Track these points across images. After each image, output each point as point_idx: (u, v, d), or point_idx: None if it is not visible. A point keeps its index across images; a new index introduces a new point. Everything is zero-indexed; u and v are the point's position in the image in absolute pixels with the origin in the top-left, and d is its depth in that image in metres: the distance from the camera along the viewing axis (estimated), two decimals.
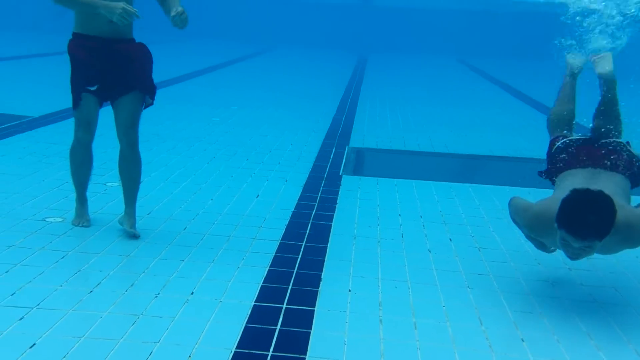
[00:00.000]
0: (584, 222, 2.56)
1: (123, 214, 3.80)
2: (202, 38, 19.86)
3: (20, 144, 5.85)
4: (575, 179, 3.02)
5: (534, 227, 2.93)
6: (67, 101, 8.84)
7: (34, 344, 2.45)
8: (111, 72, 3.58)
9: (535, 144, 7.16)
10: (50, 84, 9.99)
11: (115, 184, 4.63)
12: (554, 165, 3.32)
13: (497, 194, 4.92)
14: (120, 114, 3.70)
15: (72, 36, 3.60)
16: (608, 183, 2.95)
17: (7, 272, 3.08)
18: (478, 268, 3.46)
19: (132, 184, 3.80)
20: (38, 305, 2.76)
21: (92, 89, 3.58)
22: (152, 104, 3.76)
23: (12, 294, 2.85)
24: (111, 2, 3.35)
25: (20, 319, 2.63)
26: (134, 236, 3.68)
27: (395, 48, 21.48)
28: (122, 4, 3.33)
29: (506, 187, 5.10)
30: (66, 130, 6.51)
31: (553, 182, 3.29)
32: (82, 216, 3.86)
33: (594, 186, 2.75)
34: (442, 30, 21.61)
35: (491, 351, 2.60)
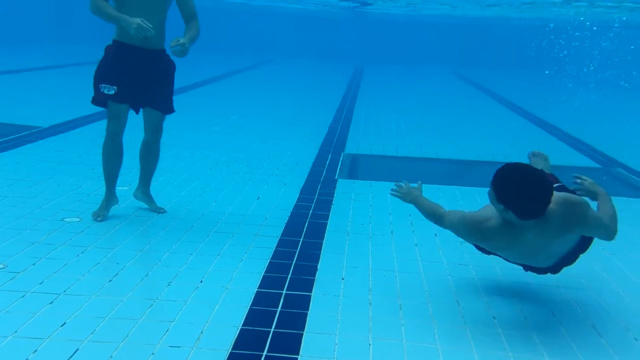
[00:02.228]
0: (528, 189, 2.56)
1: (137, 190, 4.52)
2: (203, 50, 20.24)
3: (32, 152, 6.18)
4: None
5: (474, 230, 2.83)
6: (74, 112, 9.18)
7: (65, 323, 2.78)
8: (140, 78, 4.12)
9: (517, 149, 7.56)
10: (57, 96, 10.38)
11: (125, 188, 4.97)
12: None
13: (482, 195, 5.25)
14: (147, 118, 4.35)
15: (112, 42, 4.15)
16: None
17: (34, 264, 3.42)
18: (459, 259, 3.81)
19: (151, 168, 4.50)
20: (65, 291, 3.10)
21: (110, 92, 4.06)
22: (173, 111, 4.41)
23: (41, 283, 3.19)
24: (130, 17, 3.87)
25: (50, 302, 2.97)
26: (162, 211, 4.47)
27: (391, 59, 21.93)
28: (138, 20, 3.85)
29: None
30: (75, 139, 6.91)
31: None
32: (105, 209, 4.28)
33: None
34: (436, 42, 22.08)
35: (465, 327, 2.94)
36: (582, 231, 2.82)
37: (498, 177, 2.70)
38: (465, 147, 7.68)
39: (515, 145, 7.79)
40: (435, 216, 3.07)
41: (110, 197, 4.33)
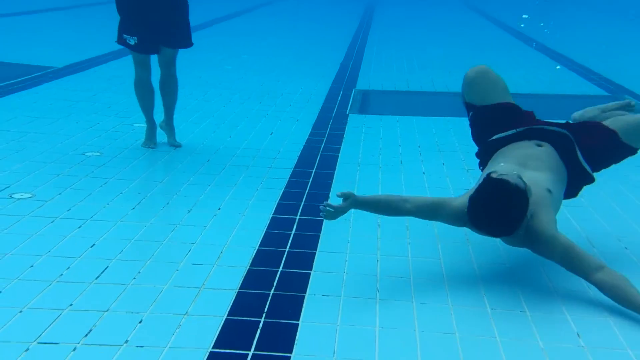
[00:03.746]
0: (487, 219, 2.40)
1: (162, 121, 4.74)
2: None
3: (49, 92, 6.33)
4: (505, 159, 2.72)
5: (457, 221, 2.67)
6: (88, 52, 9.31)
7: (94, 244, 2.99)
8: (153, 21, 4.30)
9: (528, 80, 7.57)
10: (70, 37, 10.42)
11: (141, 125, 5.12)
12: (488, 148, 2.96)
13: None
14: (162, 56, 4.53)
15: None
16: (542, 171, 2.67)
17: (60, 194, 3.61)
18: (465, 184, 3.92)
19: (171, 100, 4.69)
20: (91, 217, 3.30)
21: (132, 42, 4.35)
22: (192, 44, 4.58)
23: (68, 210, 3.38)
24: None
25: (79, 227, 3.17)
26: (178, 145, 4.68)
27: None
28: None
29: None
30: (91, 78, 7.04)
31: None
32: (150, 139, 4.66)
33: (524, 172, 2.57)
34: None
35: (468, 244, 3.09)
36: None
37: (476, 189, 2.49)
38: None
39: (526, 77, 7.79)
40: (395, 202, 2.73)
41: (152, 126, 4.70)
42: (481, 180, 2.53)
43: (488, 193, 2.39)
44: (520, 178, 2.43)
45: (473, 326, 2.40)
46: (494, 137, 2.93)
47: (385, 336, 2.32)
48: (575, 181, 2.85)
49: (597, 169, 2.90)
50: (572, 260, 2.51)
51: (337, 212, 2.76)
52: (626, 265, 2.86)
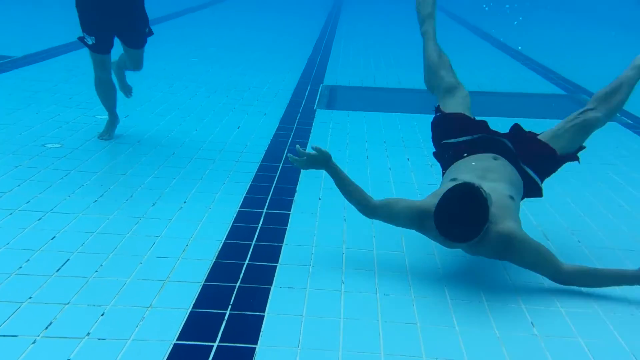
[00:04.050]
0: (452, 221, 2.44)
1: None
2: None
3: (7, 82, 6.15)
4: (464, 171, 2.79)
5: (417, 220, 2.68)
6: (48, 41, 9.07)
7: (54, 237, 2.92)
8: (110, 15, 4.17)
9: (493, 80, 7.70)
10: (30, 25, 10.14)
11: (103, 117, 5.03)
12: (445, 152, 3.06)
13: None
14: (127, 53, 4.51)
15: None
16: (500, 182, 2.74)
17: (18, 185, 3.52)
18: (429, 180, 3.99)
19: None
20: (52, 210, 3.22)
21: (90, 42, 4.23)
22: (152, 34, 4.51)
23: (28, 202, 3.30)
24: None
25: (39, 219, 3.10)
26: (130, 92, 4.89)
27: None
28: None
29: None
30: (51, 68, 6.86)
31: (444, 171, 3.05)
32: (108, 132, 4.59)
33: (483, 183, 2.62)
34: None
35: None
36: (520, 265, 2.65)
37: (443, 195, 2.51)
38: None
39: (489, 76, 7.93)
40: (364, 202, 2.82)
41: (114, 119, 4.64)
42: (445, 188, 2.59)
43: (453, 198, 2.46)
44: (481, 187, 2.50)
45: (434, 316, 2.44)
46: (451, 140, 3.04)
47: (350, 327, 2.34)
48: (527, 192, 2.93)
49: (542, 178, 2.98)
50: (543, 260, 2.58)
51: (308, 161, 2.86)
52: (579, 258, 2.95)
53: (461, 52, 9.94)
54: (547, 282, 2.68)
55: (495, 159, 2.90)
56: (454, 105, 3.21)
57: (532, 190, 2.94)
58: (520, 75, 8.20)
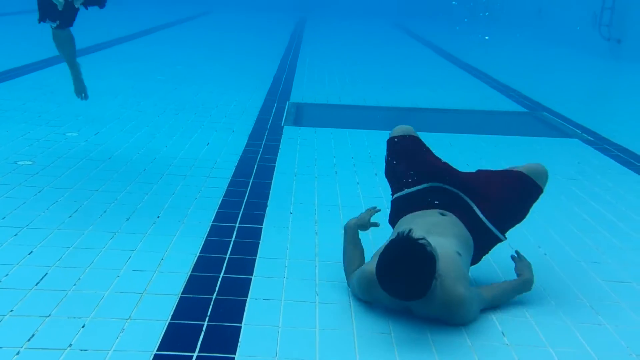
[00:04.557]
0: (396, 277, 2.34)
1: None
2: (138, 1, 19.70)
3: None
4: (410, 227, 2.52)
5: (367, 287, 2.60)
6: (18, 60, 8.98)
7: (31, 252, 2.96)
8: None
9: (454, 97, 7.98)
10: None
11: (74, 134, 5.06)
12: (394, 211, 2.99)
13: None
14: None
15: None
16: (447, 237, 2.65)
17: None
18: None
19: None
20: (27, 225, 3.26)
21: (54, 25, 4.23)
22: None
23: (3, 218, 3.33)
24: None
25: (15, 235, 3.13)
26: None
27: (332, 11, 21.95)
28: None
29: (427, 132, 5.82)
30: (19, 87, 6.84)
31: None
32: (79, 86, 4.60)
33: (429, 237, 2.49)
34: None
35: None
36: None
37: (385, 249, 2.43)
38: (404, 95, 8.01)
39: (450, 92, 8.25)
40: (347, 272, 2.81)
41: (77, 75, 4.62)
42: (388, 242, 2.51)
43: (395, 251, 2.37)
44: (425, 239, 2.40)
45: (407, 327, 2.55)
46: (400, 193, 2.96)
47: (325, 337, 2.45)
48: (483, 243, 2.84)
49: (505, 227, 2.89)
50: (478, 306, 2.61)
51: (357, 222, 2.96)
52: (546, 271, 3.12)
53: (423, 69, 10.28)
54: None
55: (442, 214, 2.80)
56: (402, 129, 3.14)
57: (489, 239, 2.84)
58: (483, 93, 8.51)
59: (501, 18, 18.90)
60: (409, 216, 2.85)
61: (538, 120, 7.01)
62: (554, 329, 2.62)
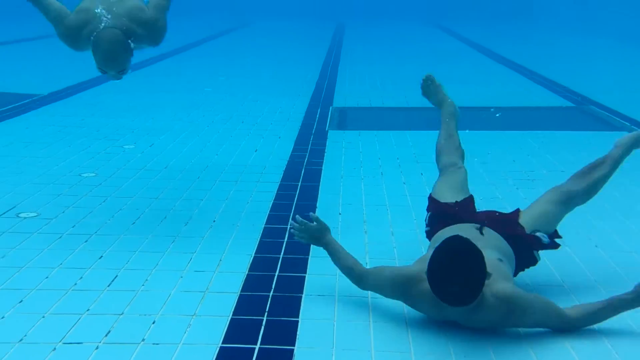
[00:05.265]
0: (449, 277, 2.31)
1: None
2: (180, 15, 20.24)
3: (38, 118, 6.51)
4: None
5: (401, 287, 2.58)
6: (71, 79, 9.46)
7: (101, 256, 3.20)
8: None
9: (497, 95, 7.98)
10: (51, 64, 10.54)
11: (131, 146, 5.35)
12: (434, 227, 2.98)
13: (463, 137, 5.68)
14: None
15: None
16: (486, 248, 2.54)
17: (63, 212, 3.81)
18: None
19: None
20: (96, 232, 3.51)
21: None
22: None
23: (73, 226, 3.59)
24: None
25: (85, 241, 3.38)
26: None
27: (372, 14, 22.06)
28: None
29: (469, 130, 5.86)
30: (76, 104, 7.22)
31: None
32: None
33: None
34: None
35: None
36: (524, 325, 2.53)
37: (437, 249, 2.41)
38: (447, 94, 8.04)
39: (494, 90, 8.24)
40: (355, 273, 2.75)
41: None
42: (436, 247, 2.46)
43: (450, 250, 2.36)
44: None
45: (464, 332, 2.52)
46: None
47: (378, 329, 2.56)
48: (522, 254, 2.82)
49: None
50: (550, 313, 2.50)
51: (308, 233, 2.85)
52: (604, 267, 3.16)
53: (464, 68, 10.27)
54: None
55: (477, 228, 2.79)
56: (442, 189, 3.18)
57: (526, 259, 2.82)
58: (528, 89, 8.47)
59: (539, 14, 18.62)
60: (447, 229, 2.83)
61: (585, 114, 6.96)
62: (545, 350, 2.41)
